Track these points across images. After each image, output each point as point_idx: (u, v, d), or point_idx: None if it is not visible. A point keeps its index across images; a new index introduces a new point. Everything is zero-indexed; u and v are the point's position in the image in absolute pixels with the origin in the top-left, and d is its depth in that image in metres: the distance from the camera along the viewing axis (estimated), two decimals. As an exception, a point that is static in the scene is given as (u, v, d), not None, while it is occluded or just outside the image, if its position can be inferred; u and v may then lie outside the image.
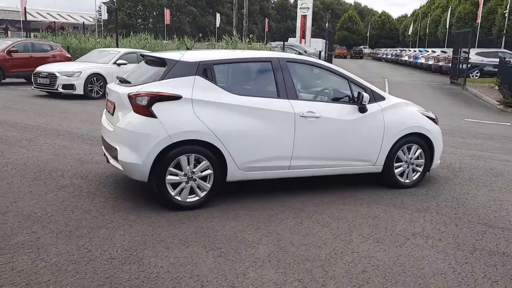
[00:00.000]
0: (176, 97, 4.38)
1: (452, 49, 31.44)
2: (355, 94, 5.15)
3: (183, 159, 4.42)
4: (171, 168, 4.40)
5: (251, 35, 24.15)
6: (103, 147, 5.17)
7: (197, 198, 4.56)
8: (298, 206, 4.77)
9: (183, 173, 4.46)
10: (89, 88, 13.30)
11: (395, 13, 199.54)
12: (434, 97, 17.37)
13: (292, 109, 4.80)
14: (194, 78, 4.53)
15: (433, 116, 5.80)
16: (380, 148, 5.28)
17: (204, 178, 4.56)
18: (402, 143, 5.39)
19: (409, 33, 65.00)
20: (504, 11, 34.20)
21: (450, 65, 27.55)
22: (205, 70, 4.59)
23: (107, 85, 5.25)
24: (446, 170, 6.47)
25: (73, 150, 6.86)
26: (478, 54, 25.23)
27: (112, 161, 4.69)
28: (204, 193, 4.58)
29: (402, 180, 5.52)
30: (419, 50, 38.77)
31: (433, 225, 4.40)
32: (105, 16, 45.89)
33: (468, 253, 3.79)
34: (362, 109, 5.12)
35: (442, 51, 31.09)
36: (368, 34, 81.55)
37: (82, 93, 13.13)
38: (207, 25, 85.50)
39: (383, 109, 5.27)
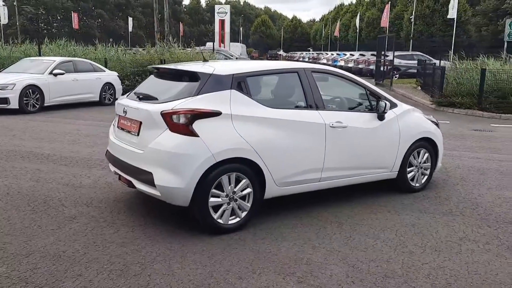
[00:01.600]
0: (216, 113, 4.09)
1: (367, 52, 33.48)
2: (374, 102, 5.19)
3: (224, 179, 4.13)
4: (213, 190, 4.10)
5: (174, 40, 23.48)
6: (116, 169, 4.68)
7: (238, 219, 4.29)
8: (334, 219, 4.68)
9: (225, 193, 4.17)
10: (25, 102, 12.10)
11: (302, 18, 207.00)
12: None
13: (322, 119, 4.71)
14: (230, 92, 4.26)
15: (434, 120, 6.03)
16: (396, 154, 5.37)
17: (243, 198, 4.30)
18: (413, 148, 5.53)
19: (321, 37, 67.96)
20: (410, 17, 36.98)
21: (370, 67, 29.23)
22: (239, 83, 4.34)
23: (120, 101, 4.76)
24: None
25: (52, 173, 6.15)
26: (396, 57, 26.90)
27: (141, 186, 4.24)
28: (244, 213, 4.32)
29: (413, 184, 5.66)
30: (337, 53, 40.56)
31: (469, 227, 4.55)
32: (4, 20, 42.18)
33: (520, 253, 3.96)
34: (381, 117, 5.17)
35: (361, 54, 32.83)
36: (282, 38, 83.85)
37: (17, 107, 11.90)
38: (117, 29, 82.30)
39: (398, 116, 5.37)
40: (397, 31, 42.45)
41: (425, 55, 27.08)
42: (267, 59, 66.31)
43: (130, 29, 65.44)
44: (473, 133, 10.40)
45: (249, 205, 4.32)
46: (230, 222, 4.24)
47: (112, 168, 4.81)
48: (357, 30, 49.27)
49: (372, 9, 48.50)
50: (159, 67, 4.91)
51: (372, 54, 31.07)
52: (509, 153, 8.24)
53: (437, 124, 5.96)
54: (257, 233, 4.27)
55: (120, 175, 4.61)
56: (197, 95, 4.14)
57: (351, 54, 35.00)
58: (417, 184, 5.69)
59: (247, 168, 4.24)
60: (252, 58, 51.17)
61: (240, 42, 67.13)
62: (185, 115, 3.98)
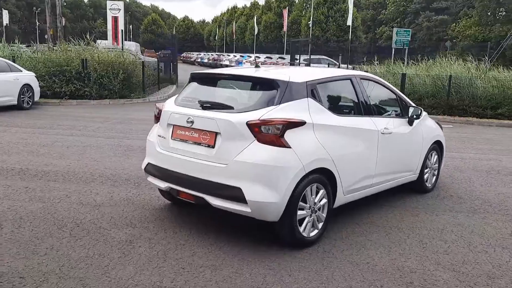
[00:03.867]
0: (302, 123, 3.93)
1: (274, 55, 34.52)
2: (405, 108, 5.40)
3: (308, 190, 4.00)
4: (300, 202, 3.94)
5: (69, 37, 21.92)
6: (172, 185, 4.24)
7: (316, 231, 4.17)
8: (386, 223, 4.78)
9: (308, 205, 4.03)
10: None
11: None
12: None
13: (375, 126, 4.79)
14: (307, 100, 4.12)
15: (439, 123, 6.46)
16: (420, 157, 5.66)
17: (319, 209, 4.19)
18: (430, 150, 5.88)
19: (216, 38, 68.24)
20: (308, 22, 38.92)
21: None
22: (312, 91, 4.22)
23: (176, 110, 4.32)
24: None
25: (51, 192, 5.37)
26: (305, 60, 28.17)
27: (219, 202, 3.89)
28: (321, 224, 4.22)
29: (427, 185, 6.01)
30: (241, 55, 41.09)
31: (500, 224, 4.95)
32: None
33: None
34: (411, 122, 5.41)
35: (267, 57, 33.72)
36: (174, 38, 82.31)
37: None
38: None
39: (420, 120, 5.65)
40: (295, 35, 44.42)
41: (329, 58, 28.70)
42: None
43: (5, 22, 59.16)
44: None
45: (324, 215, 4.23)
46: (311, 234, 4.11)
47: (164, 184, 4.34)
48: (255, 33, 50.46)
49: (269, 13, 50.15)
50: (224, 73, 4.61)
51: (280, 57, 32.15)
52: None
53: (441, 127, 6.40)
54: (331, 243, 4.20)
55: (178, 191, 4.20)
56: (280, 104, 3.94)
57: (256, 57, 35.72)
58: (429, 185, 6.05)
59: (324, 178, 4.15)
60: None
61: (131, 41, 64.50)
62: (277, 126, 3.76)
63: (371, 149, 4.72)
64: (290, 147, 3.80)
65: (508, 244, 4.37)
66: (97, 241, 4.02)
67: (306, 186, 3.95)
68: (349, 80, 4.79)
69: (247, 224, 4.33)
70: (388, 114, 5.38)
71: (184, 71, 26.87)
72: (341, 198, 4.44)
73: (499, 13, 47.92)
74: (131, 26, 79.20)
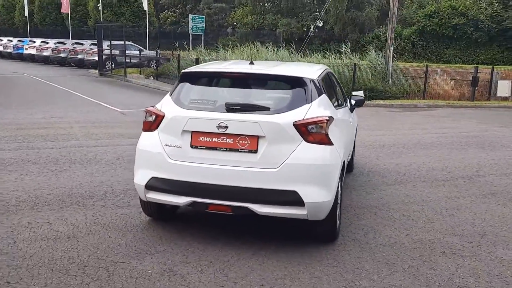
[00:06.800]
0: (333, 119, 4.00)
1: (67, 40, 31.42)
2: (345, 98, 5.91)
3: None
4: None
5: None
6: (198, 199, 3.79)
7: (338, 224, 4.30)
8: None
9: (339, 200, 4.16)
10: None
11: None
12: (119, 93, 17.12)
13: (348, 116, 5.20)
14: (324, 96, 4.19)
15: None
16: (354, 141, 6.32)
17: (338, 199, 4.37)
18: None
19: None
20: (98, 5, 36.34)
21: (77, 56, 27.58)
22: (323, 87, 4.31)
23: (199, 115, 3.84)
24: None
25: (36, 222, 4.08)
26: (109, 46, 26.41)
27: (268, 209, 3.68)
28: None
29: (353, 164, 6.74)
30: (19, 40, 35.65)
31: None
32: None
33: None
34: (352, 110, 5.94)
35: (60, 42, 30.37)
36: None
37: None
38: None
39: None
40: (80, 18, 40.88)
41: (136, 45, 27.66)
42: None
43: None
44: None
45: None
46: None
47: (183, 199, 3.82)
48: (25, 13, 44.16)
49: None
50: (241, 72, 4.25)
51: (76, 43, 29.31)
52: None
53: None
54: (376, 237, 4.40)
55: (207, 204, 3.79)
56: (311, 101, 3.93)
57: (43, 42, 31.65)
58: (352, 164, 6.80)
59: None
60: None
61: None
62: (321, 124, 3.76)
63: (347, 137, 5.06)
64: (333, 144, 3.85)
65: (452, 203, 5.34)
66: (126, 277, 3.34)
67: (340, 179, 4.08)
68: (328, 74, 5.02)
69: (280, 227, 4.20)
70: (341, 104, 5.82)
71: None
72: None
73: (269, 4, 53.79)
74: None
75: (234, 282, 3.37)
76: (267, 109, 3.83)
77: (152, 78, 21.54)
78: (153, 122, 4.00)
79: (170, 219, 4.51)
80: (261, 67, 4.49)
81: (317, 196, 3.69)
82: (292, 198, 3.65)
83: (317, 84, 4.15)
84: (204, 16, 34.45)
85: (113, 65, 23.50)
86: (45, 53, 30.41)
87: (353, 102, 5.81)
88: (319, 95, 4.09)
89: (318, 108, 3.92)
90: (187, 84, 4.20)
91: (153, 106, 4.15)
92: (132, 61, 24.05)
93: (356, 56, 18.95)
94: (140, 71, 23.97)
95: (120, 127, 9.63)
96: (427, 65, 18.85)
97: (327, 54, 20.01)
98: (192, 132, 3.81)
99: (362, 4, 38.51)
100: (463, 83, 19.38)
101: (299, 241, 4.12)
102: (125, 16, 36.94)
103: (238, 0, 52.69)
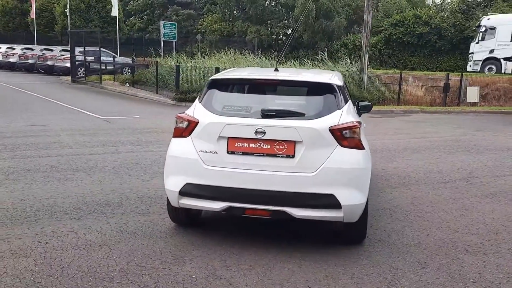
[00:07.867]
0: (361, 124, 4.13)
1: (36, 46, 30.55)
2: None
3: (367, 185, 4.26)
4: (363, 200, 4.17)
5: None
6: (235, 204, 3.82)
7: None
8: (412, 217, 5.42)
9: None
10: None
11: None
12: (97, 100, 17.00)
13: None
14: (350, 102, 4.33)
15: None
16: None
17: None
18: None
19: None
20: (66, 10, 35.53)
21: (47, 63, 26.87)
22: (347, 93, 4.44)
23: (236, 121, 3.89)
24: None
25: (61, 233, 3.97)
26: (81, 52, 25.85)
27: (305, 212, 3.76)
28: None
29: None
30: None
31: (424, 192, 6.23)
32: None
33: None
34: None
35: (27, 48, 29.50)
36: None
37: None
38: None
39: None
40: (46, 24, 39.79)
41: (109, 51, 27.17)
42: None
43: None
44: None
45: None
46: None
47: (220, 205, 3.84)
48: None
49: (6, -3, 43.14)
50: (275, 79, 4.32)
51: (45, 49, 28.52)
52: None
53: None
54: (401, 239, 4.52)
55: (244, 209, 3.83)
56: (342, 107, 4.05)
57: (10, 48, 30.64)
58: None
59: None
60: None
61: None
62: (354, 129, 3.88)
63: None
64: (365, 148, 3.98)
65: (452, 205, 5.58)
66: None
67: (369, 182, 4.22)
68: (344, 81, 5.16)
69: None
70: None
71: None
72: None
73: (238, 11, 54.04)
74: None
75: (280, 284, 3.43)
76: (302, 115, 3.92)
77: (128, 85, 21.20)
78: (185, 129, 4.01)
79: (193, 225, 4.51)
80: (289, 74, 4.59)
81: (353, 199, 3.80)
82: (329, 201, 3.74)
83: (344, 91, 4.29)
84: (175, 23, 34.27)
85: (85, 72, 23.02)
86: (11, 59, 29.47)
87: (360, 106, 5.97)
88: (346, 101, 4.22)
89: (348, 114, 4.03)
90: (217, 91, 4.24)
91: (183, 113, 4.17)
92: (107, 67, 23.65)
93: (332, 63, 19.38)
94: (114, 77, 23.58)
95: (110, 135, 9.45)
96: (401, 72, 19.46)
97: (304, 61, 20.31)
98: (229, 138, 3.85)
99: (331, 13, 39.30)
100: (433, 89, 20.09)
101: (328, 243, 4.21)
102: (93, 22, 36.25)
103: (207, 7, 52.83)
